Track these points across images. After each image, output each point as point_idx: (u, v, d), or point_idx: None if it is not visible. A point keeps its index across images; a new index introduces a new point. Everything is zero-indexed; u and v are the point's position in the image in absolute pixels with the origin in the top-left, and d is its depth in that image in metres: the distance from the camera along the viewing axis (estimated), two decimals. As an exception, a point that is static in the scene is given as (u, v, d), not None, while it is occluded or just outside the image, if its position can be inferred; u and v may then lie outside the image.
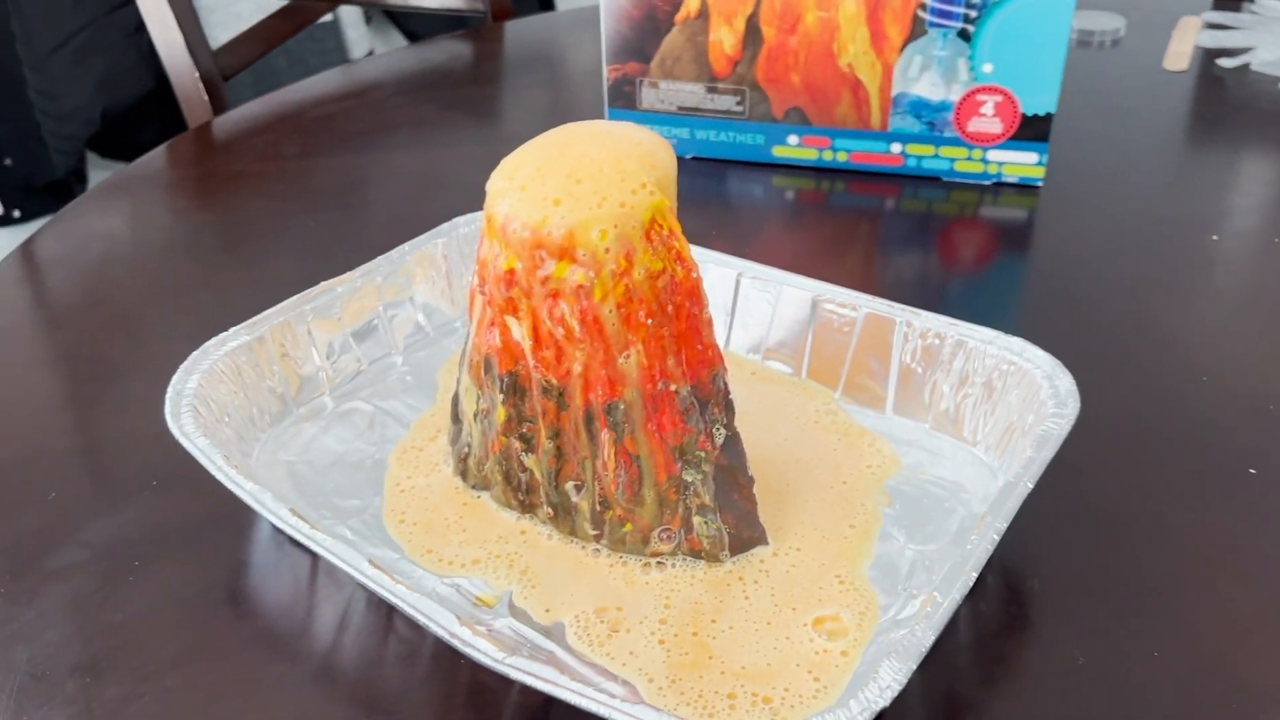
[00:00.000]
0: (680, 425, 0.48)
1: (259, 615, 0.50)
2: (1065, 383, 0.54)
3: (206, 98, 1.11)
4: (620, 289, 0.46)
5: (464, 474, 0.56)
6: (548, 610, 0.49)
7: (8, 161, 2.10)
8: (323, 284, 0.63)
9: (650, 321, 0.46)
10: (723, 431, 0.50)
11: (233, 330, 0.59)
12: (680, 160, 0.89)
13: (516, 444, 0.52)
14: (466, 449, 0.55)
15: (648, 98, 0.89)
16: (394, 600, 0.44)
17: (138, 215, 0.86)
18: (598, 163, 0.46)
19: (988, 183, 0.85)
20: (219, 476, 0.50)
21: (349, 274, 0.64)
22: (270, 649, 0.48)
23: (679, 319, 0.47)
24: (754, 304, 0.64)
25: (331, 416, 0.61)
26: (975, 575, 0.43)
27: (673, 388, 0.48)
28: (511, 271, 0.47)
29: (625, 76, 0.88)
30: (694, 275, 0.47)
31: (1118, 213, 0.82)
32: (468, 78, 1.11)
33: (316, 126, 1.00)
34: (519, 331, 0.49)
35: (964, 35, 0.80)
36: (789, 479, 0.55)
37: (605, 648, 0.47)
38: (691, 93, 0.87)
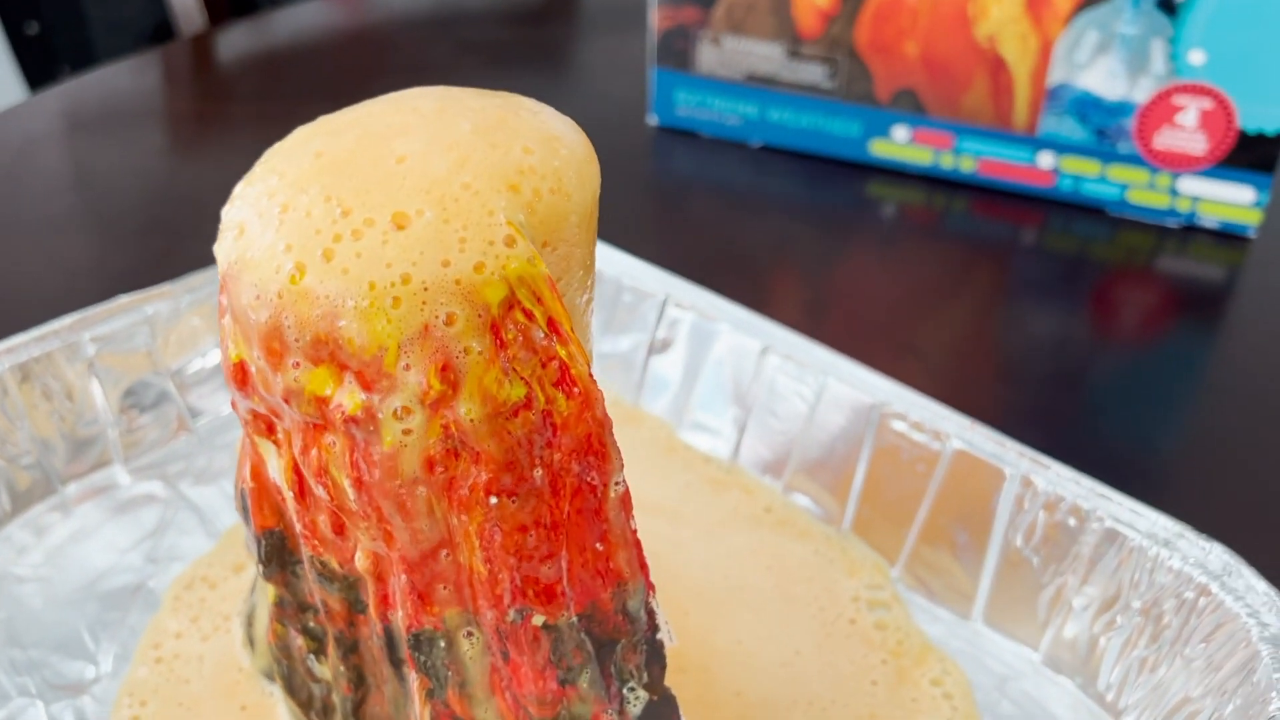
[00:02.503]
0: (551, 687, 0.25)
1: None
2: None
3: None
4: (433, 433, 0.23)
5: (252, 645, 0.34)
6: None
7: (66, 68, 2.07)
8: (121, 299, 0.41)
9: (496, 501, 0.23)
10: (641, 697, 0.26)
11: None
12: (743, 148, 0.64)
13: (300, 641, 0.30)
14: (252, 610, 0.33)
15: (707, 58, 0.65)
16: None
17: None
18: (412, 180, 0.23)
19: (1174, 224, 0.59)
20: None
21: (165, 285, 0.42)
22: None
23: (559, 495, 0.24)
24: (782, 397, 0.40)
25: (121, 503, 0.40)
26: None
27: (538, 620, 0.25)
28: (241, 367, 0.24)
29: (678, 27, 0.65)
30: (594, 412, 0.24)
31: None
32: (487, 17, 0.88)
33: (304, 61, 0.78)
34: (276, 468, 0.26)
35: (1167, 6, 0.55)
36: (781, 746, 0.32)
37: None
38: (766, 56, 0.63)
